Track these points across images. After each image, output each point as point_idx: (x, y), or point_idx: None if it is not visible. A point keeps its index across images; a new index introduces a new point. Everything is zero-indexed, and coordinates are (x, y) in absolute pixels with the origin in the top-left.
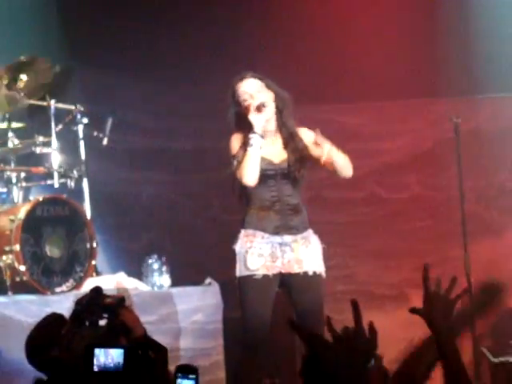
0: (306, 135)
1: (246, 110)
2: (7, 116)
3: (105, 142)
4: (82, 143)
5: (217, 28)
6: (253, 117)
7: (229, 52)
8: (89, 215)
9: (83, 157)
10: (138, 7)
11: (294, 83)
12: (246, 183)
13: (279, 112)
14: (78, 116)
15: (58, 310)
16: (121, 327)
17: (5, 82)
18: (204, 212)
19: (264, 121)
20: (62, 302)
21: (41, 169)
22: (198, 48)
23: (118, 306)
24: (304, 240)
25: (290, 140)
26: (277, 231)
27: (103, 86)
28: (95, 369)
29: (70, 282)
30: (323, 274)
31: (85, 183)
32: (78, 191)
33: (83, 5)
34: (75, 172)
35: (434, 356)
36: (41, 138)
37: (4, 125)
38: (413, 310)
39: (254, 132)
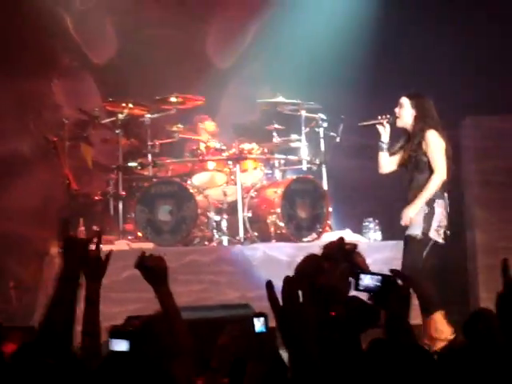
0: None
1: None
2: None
3: (337, 140)
4: (322, 141)
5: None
6: (380, 128)
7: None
8: (325, 189)
9: (323, 150)
10: None
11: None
12: (380, 173)
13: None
14: (320, 122)
15: (305, 254)
16: (356, 266)
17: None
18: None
19: (387, 134)
20: (308, 248)
21: (294, 157)
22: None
23: (353, 250)
24: None
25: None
26: None
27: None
28: (360, 288)
29: (313, 235)
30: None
31: (323, 168)
32: (319, 173)
33: None
34: (317, 160)
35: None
36: (294, 137)
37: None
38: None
39: (380, 140)
